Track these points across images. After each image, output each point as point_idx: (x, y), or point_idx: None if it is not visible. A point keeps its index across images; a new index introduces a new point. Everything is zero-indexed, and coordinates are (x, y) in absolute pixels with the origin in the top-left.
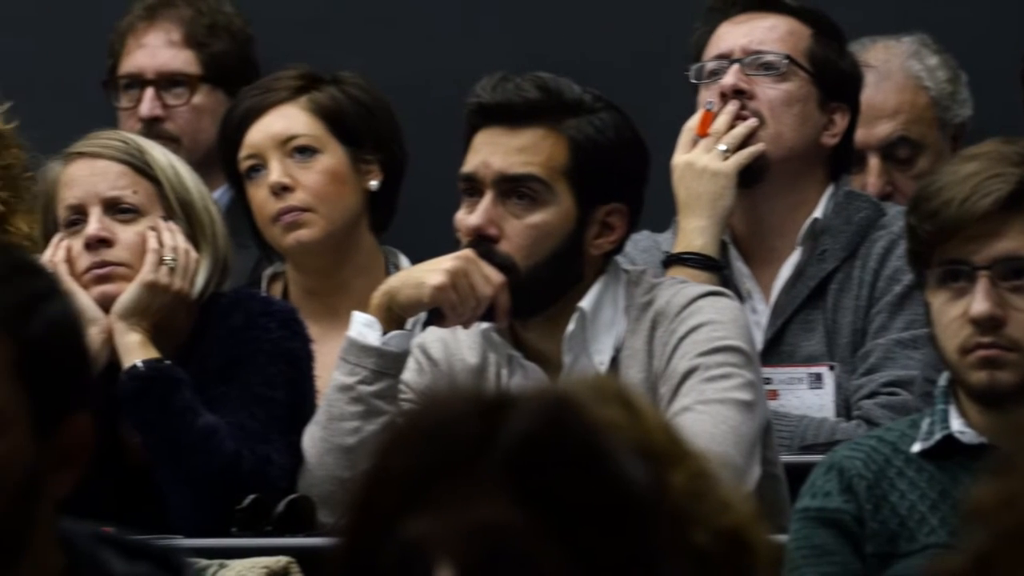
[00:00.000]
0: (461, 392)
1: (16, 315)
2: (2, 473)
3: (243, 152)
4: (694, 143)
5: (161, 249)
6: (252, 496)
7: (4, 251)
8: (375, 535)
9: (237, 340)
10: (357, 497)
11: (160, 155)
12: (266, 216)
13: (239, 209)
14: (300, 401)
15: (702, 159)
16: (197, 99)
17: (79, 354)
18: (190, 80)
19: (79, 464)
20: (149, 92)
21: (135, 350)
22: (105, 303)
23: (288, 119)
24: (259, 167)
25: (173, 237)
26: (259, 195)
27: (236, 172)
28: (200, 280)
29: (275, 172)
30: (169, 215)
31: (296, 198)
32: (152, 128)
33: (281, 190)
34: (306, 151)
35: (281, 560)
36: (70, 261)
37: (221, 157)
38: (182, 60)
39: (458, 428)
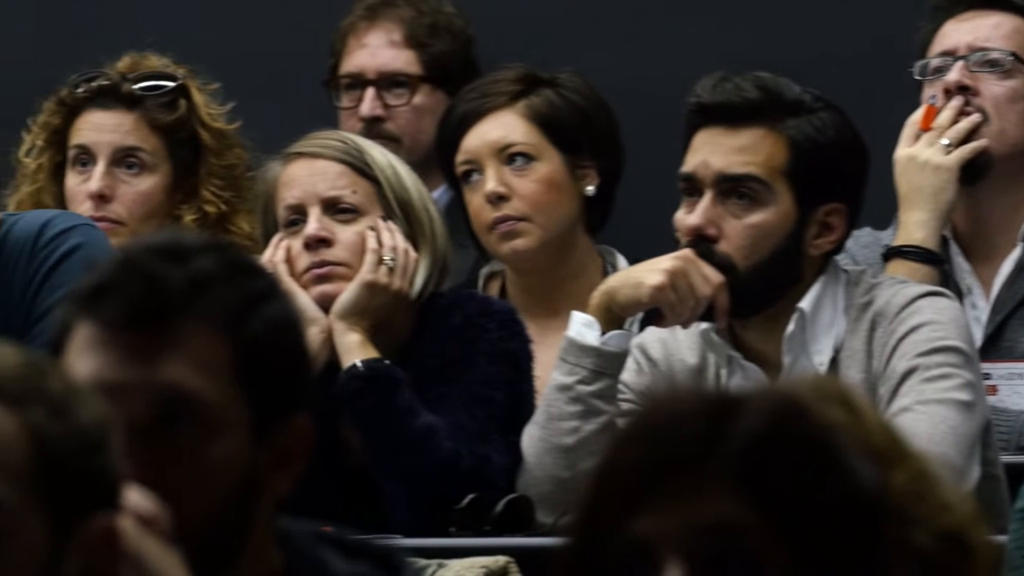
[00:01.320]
0: (687, 391)
1: (236, 316)
2: (222, 473)
3: (460, 157)
4: (916, 137)
5: (380, 249)
6: (471, 496)
7: (224, 252)
8: (602, 533)
9: (456, 340)
10: (585, 495)
11: (379, 155)
12: (482, 224)
13: (458, 209)
14: (519, 401)
15: (924, 152)
16: (418, 99)
17: (298, 354)
18: (411, 80)
19: (299, 464)
20: (370, 92)
21: (355, 350)
22: (324, 303)
23: (505, 127)
24: (475, 172)
25: (392, 237)
26: (475, 201)
27: (454, 174)
28: (419, 280)
29: (491, 181)
30: (388, 215)
31: (512, 207)
32: (373, 128)
33: (497, 199)
34: (523, 159)
35: (500, 560)
36: (290, 261)
37: (439, 159)
38: (403, 60)
39: (686, 427)
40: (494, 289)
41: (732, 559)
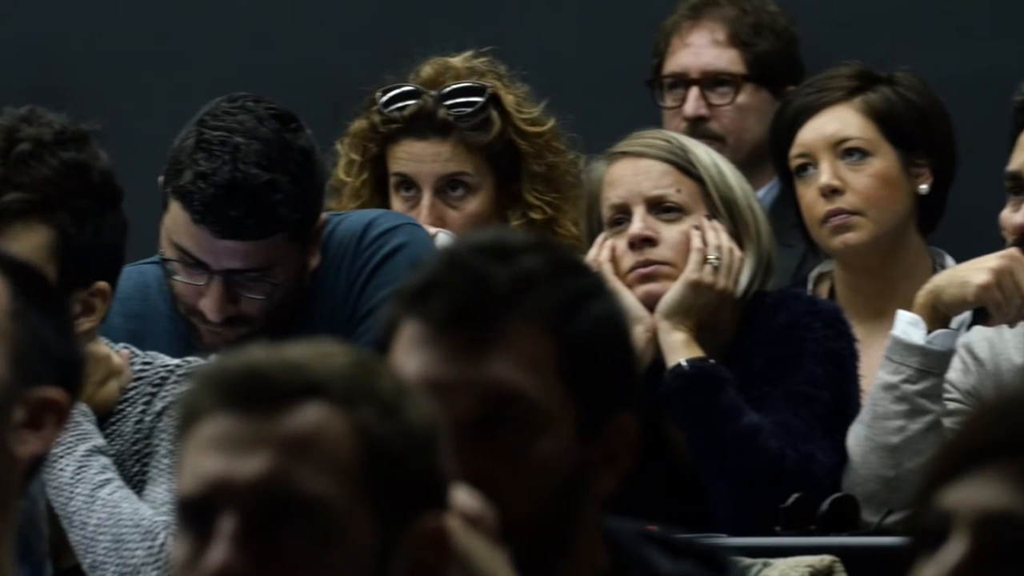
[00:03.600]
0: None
1: (561, 314)
2: (548, 471)
3: (794, 150)
4: None
5: (705, 248)
6: (796, 495)
7: (549, 250)
8: (924, 499)
9: (782, 340)
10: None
11: (703, 154)
12: (815, 217)
13: (783, 208)
14: (844, 400)
15: None
16: (742, 98)
17: (624, 353)
18: (735, 79)
19: (624, 462)
20: (694, 91)
21: (679, 349)
22: (649, 302)
23: (841, 121)
24: (809, 166)
25: (717, 236)
26: (808, 195)
27: (787, 168)
28: (744, 279)
29: (825, 174)
30: (713, 214)
31: (846, 201)
32: (697, 127)
33: (831, 192)
34: (858, 153)
35: (825, 559)
36: (614, 260)
37: (773, 153)
38: (727, 59)
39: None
40: (823, 291)
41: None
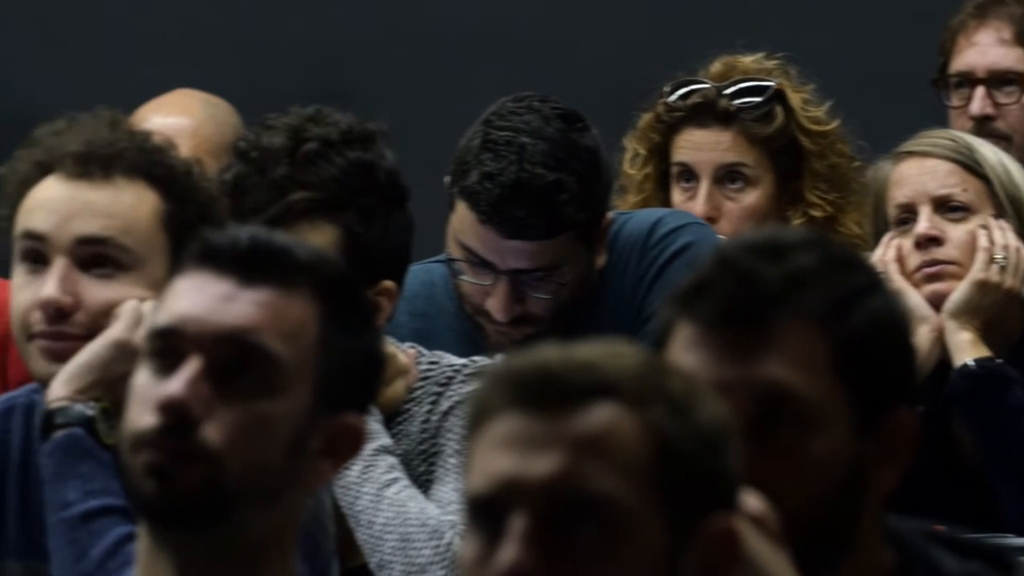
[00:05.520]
0: None
1: (834, 311)
2: (825, 470)
3: None
4: None
5: (992, 247)
6: None
7: (823, 247)
8: None
9: None
10: None
11: (990, 153)
12: None
13: None
14: None
15: None
16: None
17: (901, 348)
18: (1021, 78)
19: (903, 458)
20: (980, 91)
21: (966, 348)
22: (936, 302)
23: None
24: None
25: (1004, 235)
26: None
27: None
28: None
29: None
30: (999, 213)
31: None
32: (983, 126)
33: None
34: None
35: None
36: (900, 260)
37: None
38: (1013, 58)
39: None
40: None
41: None
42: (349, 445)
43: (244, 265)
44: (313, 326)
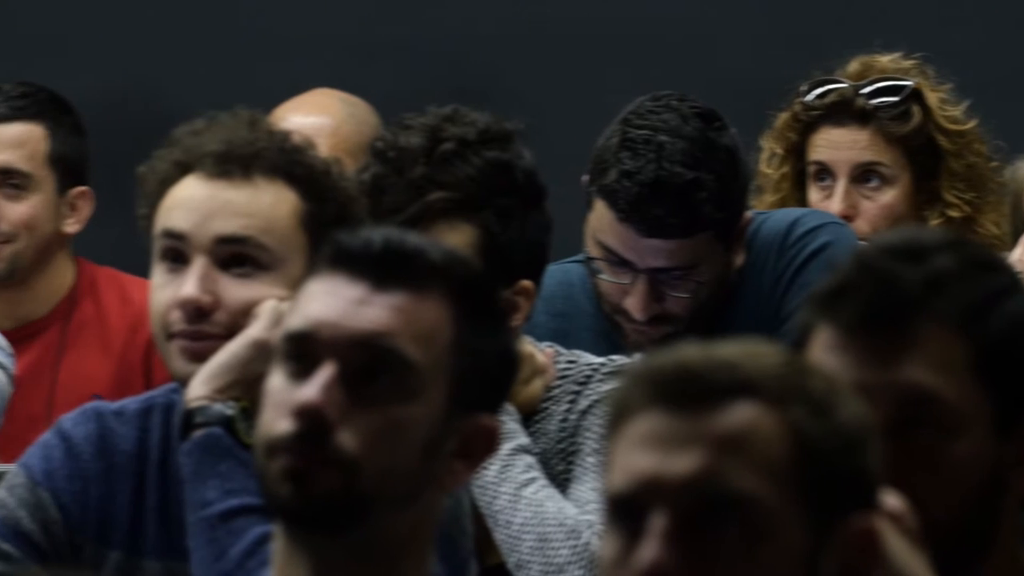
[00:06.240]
0: None
1: (974, 314)
2: (965, 473)
3: None
4: None
5: None
6: None
7: (963, 248)
8: None
9: None
10: None
11: None
12: None
13: None
14: None
15: None
16: None
17: None
18: None
19: None
20: None
21: None
22: None
23: None
24: None
25: None
26: None
27: None
28: None
29: None
30: None
31: None
32: None
33: None
34: None
35: None
36: None
37: None
38: None
39: None
40: None
41: None
42: (484, 446)
43: (377, 268)
44: (447, 329)
